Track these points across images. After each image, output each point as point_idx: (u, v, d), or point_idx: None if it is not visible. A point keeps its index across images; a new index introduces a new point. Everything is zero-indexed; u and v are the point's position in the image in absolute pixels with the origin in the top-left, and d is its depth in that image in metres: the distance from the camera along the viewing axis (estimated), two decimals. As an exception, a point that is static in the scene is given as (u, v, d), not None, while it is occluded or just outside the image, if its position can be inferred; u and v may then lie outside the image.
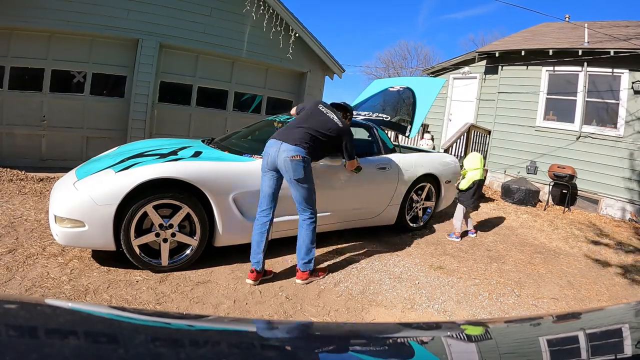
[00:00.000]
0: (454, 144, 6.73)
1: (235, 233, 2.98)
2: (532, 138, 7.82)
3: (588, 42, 7.27)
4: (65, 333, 0.55)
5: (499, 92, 8.43)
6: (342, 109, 3.24)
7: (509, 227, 5.34)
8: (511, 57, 8.10)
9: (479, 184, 4.43)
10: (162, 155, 2.98)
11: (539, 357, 0.70)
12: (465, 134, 6.98)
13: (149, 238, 2.68)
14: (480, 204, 6.36)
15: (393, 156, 4.10)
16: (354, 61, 51.87)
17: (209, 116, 6.61)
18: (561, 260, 4.25)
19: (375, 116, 4.96)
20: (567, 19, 9.10)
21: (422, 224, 4.53)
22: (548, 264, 4.06)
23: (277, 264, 3.15)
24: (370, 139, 4.23)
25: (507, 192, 6.99)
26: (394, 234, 4.22)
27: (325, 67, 7.52)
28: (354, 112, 5.19)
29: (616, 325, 0.84)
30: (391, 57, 30.95)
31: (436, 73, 10.01)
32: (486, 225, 5.20)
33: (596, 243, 5.11)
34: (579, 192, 7.16)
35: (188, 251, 2.83)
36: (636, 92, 6.57)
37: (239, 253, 3.14)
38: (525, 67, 7.93)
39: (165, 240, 2.72)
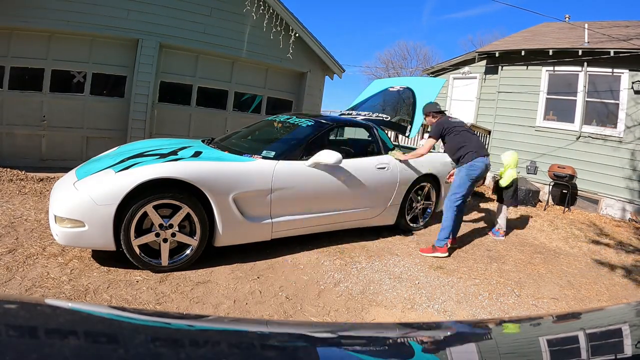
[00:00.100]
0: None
1: (235, 233, 2.98)
2: (532, 138, 7.82)
3: (588, 42, 7.27)
4: (65, 333, 0.55)
5: (499, 92, 8.43)
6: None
7: (508, 227, 5.34)
8: (511, 57, 8.10)
9: (517, 182, 4.80)
10: (162, 155, 2.98)
11: (539, 357, 0.70)
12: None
13: (149, 238, 2.68)
14: (480, 204, 6.36)
15: (393, 156, 4.09)
16: (354, 61, 51.93)
17: (209, 116, 6.61)
18: (561, 260, 4.25)
19: (375, 116, 4.97)
20: (567, 19, 9.10)
21: (422, 224, 4.53)
22: (548, 264, 4.06)
23: (277, 264, 3.15)
24: (370, 139, 4.23)
25: (507, 192, 6.98)
26: (394, 234, 4.22)
27: (325, 67, 7.52)
28: (354, 112, 5.20)
29: (616, 325, 0.84)
30: (391, 57, 30.99)
31: (436, 73, 10.01)
32: (486, 226, 5.20)
33: (596, 243, 5.11)
34: (579, 192, 7.16)
35: (188, 251, 2.83)
36: (636, 92, 6.57)
37: (239, 253, 3.14)
38: (525, 67, 7.93)
39: (165, 240, 2.72)
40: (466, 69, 9.06)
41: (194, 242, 2.81)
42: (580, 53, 6.98)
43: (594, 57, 6.91)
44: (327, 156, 3.30)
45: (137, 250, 2.64)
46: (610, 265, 4.30)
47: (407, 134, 4.81)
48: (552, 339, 0.78)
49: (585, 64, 7.08)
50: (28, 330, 0.53)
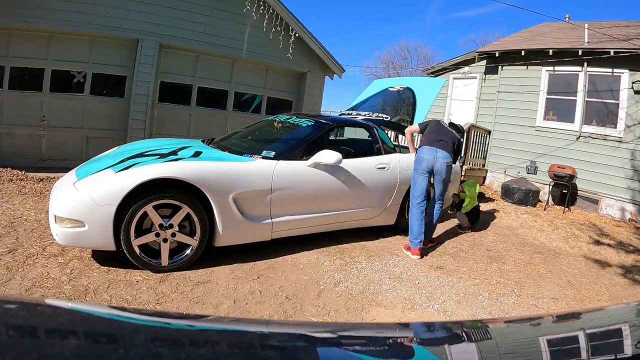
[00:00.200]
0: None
1: (235, 233, 2.98)
2: (532, 138, 7.82)
3: (588, 42, 7.27)
4: (65, 333, 0.55)
5: (499, 92, 8.43)
6: (454, 127, 3.99)
7: (509, 227, 5.34)
8: (511, 57, 8.10)
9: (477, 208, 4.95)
10: (162, 155, 2.98)
11: (539, 357, 0.70)
12: (465, 134, 6.98)
13: (149, 238, 2.68)
14: (480, 204, 6.36)
15: (393, 156, 4.10)
16: (354, 61, 51.95)
17: (209, 116, 6.61)
18: (561, 260, 4.25)
19: (375, 116, 4.97)
20: (567, 19, 9.10)
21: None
22: (548, 264, 4.06)
23: (277, 264, 3.15)
24: (370, 139, 4.23)
25: (507, 192, 6.99)
26: (394, 234, 4.22)
27: (325, 67, 7.52)
28: (354, 112, 5.21)
29: (616, 325, 0.84)
30: (391, 57, 30.99)
31: (436, 73, 10.01)
32: (486, 225, 5.21)
33: (596, 243, 5.11)
34: (579, 192, 7.16)
35: (188, 251, 2.83)
36: (636, 92, 6.57)
37: (239, 253, 3.14)
38: (525, 67, 7.93)
39: (165, 240, 2.72)
40: (466, 69, 9.06)
41: (194, 242, 2.81)
42: (580, 53, 6.98)
43: (594, 57, 6.91)
44: (327, 156, 3.30)
45: (137, 250, 2.64)
46: (610, 265, 4.30)
47: (407, 134, 4.80)
48: (552, 339, 0.78)
49: (585, 64, 7.08)
50: (28, 330, 0.53)
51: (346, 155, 3.59)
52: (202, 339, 0.61)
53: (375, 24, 47.12)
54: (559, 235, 5.25)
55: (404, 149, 4.93)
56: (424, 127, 3.98)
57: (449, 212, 5.17)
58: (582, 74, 7.17)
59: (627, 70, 6.67)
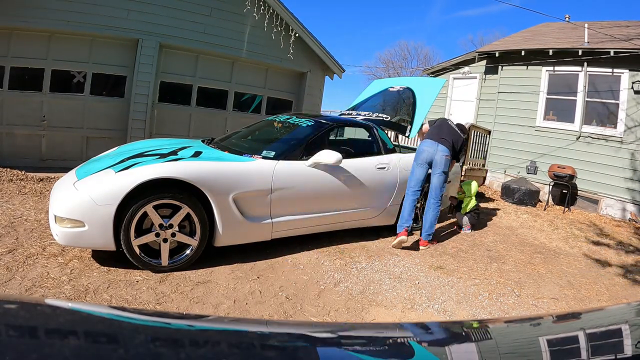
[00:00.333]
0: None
1: (235, 233, 2.98)
2: (532, 138, 7.82)
3: (588, 42, 7.27)
4: (65, 333, 0.55)
5: (499, 92, 8.43)
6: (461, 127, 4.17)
7: (509, 227, 5.34)
8: (511, 57, 8.10)
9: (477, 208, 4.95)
10: (162, 155, 2.98)
11: (539, 357, 0.70)
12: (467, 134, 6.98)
13: (149, 238, 2.68)
14: (481, 204, 6.36)
15: (393, 156, 4.10)
16: (354, 61, 51.98)
17: (209, 116, 6.61)
18: (561, 260, 4.25)
19: (375, 116, 4.96)
20: (567, 19, 9.10)
21: (422, 224, 4.52)
22: (548, 264, 4.06)
23: (277, 264, 3.15)
24: (370, 139, 4.23)
25: (507, 192, 6.99)
26: (394, 234, 4.21)
27: (325, 67, 7.52)
28: (354, 112, 5.21)
29: (616, 325, 0.84)
30: (391, 57, 31.01)
31: (436, 73, 10.01)
32: (486, 225, 5.21)
33: (596, 243, 5.11)
34: (579, 192, 7.17)
35: (188, 251, 2.83)
36: (636, 92, 6.57)
37: (239, 253, 3.14)
38: (525, 67, 7.93)
39: (165, 240, 2.72)
40: (466, 69, 9.06)
41: (194, 242, 2.81)
42: (580, 53, 6.98)
43: (594, 57, 6.91)
44: (327, 156, 3.30)
45: (137, 250, 2.64)
46: (610, 265, 4.30)
47: (407, 134, 4.80)
48: (552, 339, 0.78)
49: (586, 64, 7.08)
50: (28, 330, 0.53)
51: (346, 155, 3.59)
52: (202, 339, 0.61)
53: (375, 24, 47.16)
54: (559, 235, 5.24)
55: (404, 149, 4.94)
56: (433, 123, 4.20)
57: (448, 215, 5.17)
58: (582, 74, 7.17)
59: (627, 70, 6.67)
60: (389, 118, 4.94)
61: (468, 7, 43.93)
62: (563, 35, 8.45)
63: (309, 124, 3.80)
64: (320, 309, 2.60)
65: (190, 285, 2.64)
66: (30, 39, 5.06)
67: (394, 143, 4.85)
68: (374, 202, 3.89)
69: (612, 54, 6.59)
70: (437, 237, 4.34)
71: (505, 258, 4.04)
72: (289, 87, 7.47)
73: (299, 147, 3.46)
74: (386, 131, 4.76)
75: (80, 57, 5.41)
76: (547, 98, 7.74)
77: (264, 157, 3.23)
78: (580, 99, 7.22)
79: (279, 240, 3.30)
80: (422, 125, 4.52)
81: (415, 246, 3.97)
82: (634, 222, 6.39)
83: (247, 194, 2.97)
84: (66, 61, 5.34)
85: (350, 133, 6.41)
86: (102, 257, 2.80)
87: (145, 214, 2.62)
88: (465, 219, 4.77)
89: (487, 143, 8.07)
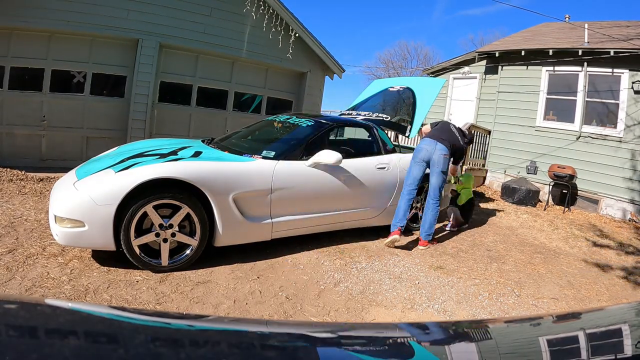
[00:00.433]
0: (454, 144, 6.72)
1: (235, 233, 2.98)
2: (532, 138, 7.82)
3: (588, 42, 7.27)
4: (65, 333, 0.55)
5: (499, 92, 8.43)
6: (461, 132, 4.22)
7: (509, 227, 5.34)
8: (511, 57, 8.11)
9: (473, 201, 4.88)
10: (162, 155, 2.98)
11: (539, 357, 0.70)
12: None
13: (149, 238, 2.68)
14: (480, 204, 6.36)
15: (393, 156, 4.10)
16: (354, 61, 51.98)
17: (209, 116, 6.61)
18: (561, 260, 4.25)
19: (375, 116, 4.97)
20: (567, 19, 9.10)
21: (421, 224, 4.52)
22: (548, 264, 4.06)
23: (277, 264, 3.15)
24: (370, 139, 4.23)
25: (507, 192, 6.99)
26: (394, 234, 4.21)
27: (325, 67, 7.52)
28: (354, 112, 5.21)
29: (616, 325, 0.84)
30: (391, 57, 31.01)
31: (436, 73, 10.02)
32: (486, 225, 5.20)
33: (596, 243, 5.11)
34: (579, 192, 7.17)
35: (188, 251, 2.83)
36: (636, 92, 6.57)
37: (239, 253, 3.14)
38: (525, 67, 7.93)
39: (165, 240, 2.72)
40: (466, 69, 9.06)
41: (194, 242, 2.81)
42: (580, 53, 6.99)
43: (594, 57, 6.91)
44: (327, 156, 3.30)
45: (137, 250, 2.64)
46: (610, 265, 4.30)
47: (407, 134, 4.80)
48: (552, 339, 0.78)
49: (585, 64, 7.09)
50: (28, 330, 0.53)
51: (346, 155, 3.59)
52: (202, 339, 0.61)
53: (375, 24, 47.17)
54: (559, 235, 5.24)
55: (404, 149, 4.93)
56: (434, 125, 4.20)
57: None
58: (582, 74, 7.17)
59: (627, 70, 6.67)
60: (389, 118, 4.94)
61: (468, 7, 43.94)
62: (563, 35, 8.45)
63: (309, 124, 3.80)
64: (320, 309, 2.60)
65: (190, 285, 2.64)
66: (30, 39, 5.06)
67: (394, 143, 4.85)
68: (374, 202, 3.89)
69: (612, 54, 6.60)
70: (437, 237, 4.34)
71: (505, 258, 4.03)
72: (289, 87, 7.47)
73: (299, 147, 3.46)
74: (386, 131, 4.76)
75: (80, 57, 5.40)
76: (547, 98, 7.74)
77: (264, 157, 3.23)
78: (580, 99, 7.22)
79: (279, 240, 3.30)
80: (422, 125, 4.52)
81: (411, 246, 3.97)
82: (634, 222, 6.39)
83: (247, 194, 2.96)
84: (66, 61, 5.34)
85: (350, 133, 6.41)
86: (102, 257, 2.80)
87: (145, 214, 2.62)
88: (458, 212, 4.71)
89: (487, 143, 8.06)
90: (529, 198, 6.80)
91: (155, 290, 2.52)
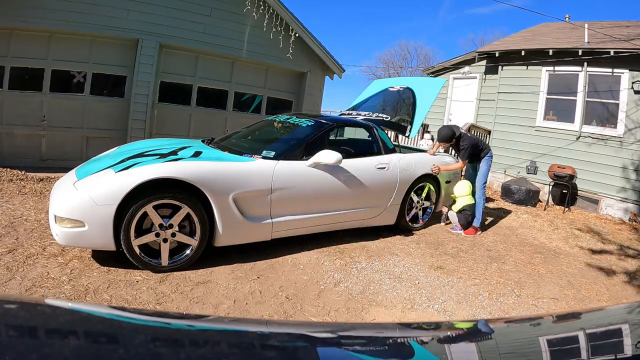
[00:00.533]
0: (454, 144, 6.72)
1: (235, 233, 2.98)
2: (532, 138, 7.82)
3: (588, 42, 7.27)
4: (65, 333, 0.55)
5: (499, 92, 8.43)
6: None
7: (509, 227, 5.34)
8: (511, 57, 8.10)
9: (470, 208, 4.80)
10: (162, 155, 2.98)
11: (539, 357, 0.70)
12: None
13: (149, 238, 2.68)
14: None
15: (393, 156, 4.10)
16: (354, 61, 51.99)
17: (209, 116, 6.61)
18: (561, 260, 4.25)
19: (375, 116, 4.97)
20: (567, 19, 9.10)
21: (422, 224, 4.53)
22: (548, 264, 4.06)
23: (277, 264, 3.15)
24: (370, 139, 4.23)
25: (507, 192, 6.99)
26: (394, 234, 4.22)
27: (325, 67, 7.52)
28: (354, 112, 5.21)
29: (616, 325, 0.84)
30: (391, 57, 31.03)
31: (436, 73, 10.01)
32: (486, 225, 5.20)
33: (596, 243, 5.11)
34: (579, 192, 7.16)
35: (188, 251, 2.83)
36: (636, 92, 6.57)
37: (239, 253, 3.14)
38: (525, 67, 7.93)
39: (165, 240, 2.72)
40: (466, 69, 9.06)
41: (194, 242, 2.81)
42: (580, 53, 6.98)
43: (594, 57, 6.91)
44: (327, 156, 3.30)
45: (137, 250, 2.64)
46: (610, 265, 4.30)
47: (407, 134, 4.80)
48: (552, 339, 0.78)
49: (586, 64, 7.08)
50: (28, 330, 0.53)
51: (346, 155, 3.59)
52: (202, 339, 0.61)
53: (375, 24, 47.18)
54: (559, 235, 5.24)
55: (404, 149, 4.93)
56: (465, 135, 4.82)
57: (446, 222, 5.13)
58: (582, 74, 7.16)
59: (627, 71, 6.67)
60: (389, 118, 4.94)
61: (468, 6, 43.94)
62: (563, 35, 8.44)
63: (309, 124, 3.80)
64: (320, 309, 2.60)
65: (190, 285, 2.64)
66: (30, 39, 5.06)
67: (394, 143, 4.85)
68: (374, 202, 3.89)
69: (612, 54, 6.59)
70: (437, 237, 4.34)
71: (505, 258, 4.03)
72: (289, 87, 7.47)
73: (299, 147, 3.46)
74: (386, 131, 4.76)
75: (80, 57, 5.40)
76: (547, 98, 7.73)
77: (264, 157, 3.23)
78: (580, 99, 7.22)
79: (279, 240, 3.30)
80: (436, 141, 4.91)
81: (415, 246, 3.97)
82: (634, 222, 6.39)
83: (247, 194, 2.97)
84: (66, 61, 5.33)
85: (350, 133, 6.40)
86: (102, 257, 2.80)
87: (145, 214, 2.62)
88: (455, 218, 4.70)
89: (487, 143, 8.06)
90: (529, 198, 6.80)
91: (155, 290, 2.52)
